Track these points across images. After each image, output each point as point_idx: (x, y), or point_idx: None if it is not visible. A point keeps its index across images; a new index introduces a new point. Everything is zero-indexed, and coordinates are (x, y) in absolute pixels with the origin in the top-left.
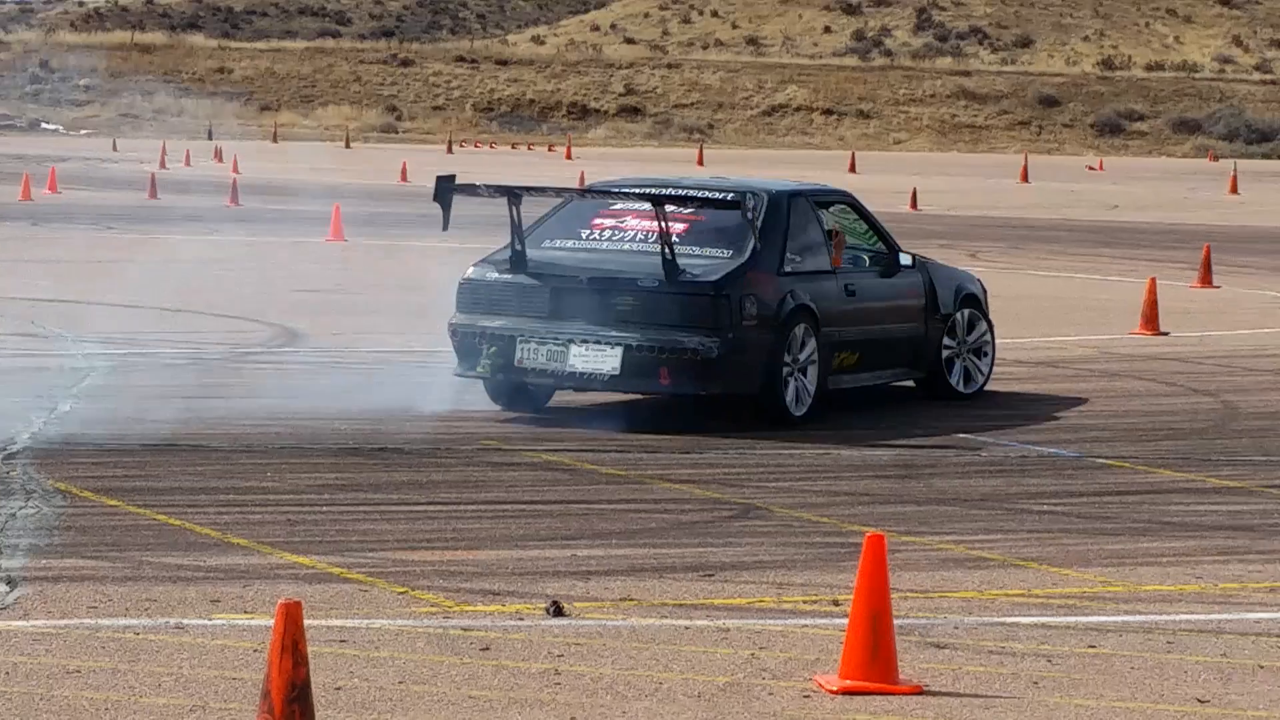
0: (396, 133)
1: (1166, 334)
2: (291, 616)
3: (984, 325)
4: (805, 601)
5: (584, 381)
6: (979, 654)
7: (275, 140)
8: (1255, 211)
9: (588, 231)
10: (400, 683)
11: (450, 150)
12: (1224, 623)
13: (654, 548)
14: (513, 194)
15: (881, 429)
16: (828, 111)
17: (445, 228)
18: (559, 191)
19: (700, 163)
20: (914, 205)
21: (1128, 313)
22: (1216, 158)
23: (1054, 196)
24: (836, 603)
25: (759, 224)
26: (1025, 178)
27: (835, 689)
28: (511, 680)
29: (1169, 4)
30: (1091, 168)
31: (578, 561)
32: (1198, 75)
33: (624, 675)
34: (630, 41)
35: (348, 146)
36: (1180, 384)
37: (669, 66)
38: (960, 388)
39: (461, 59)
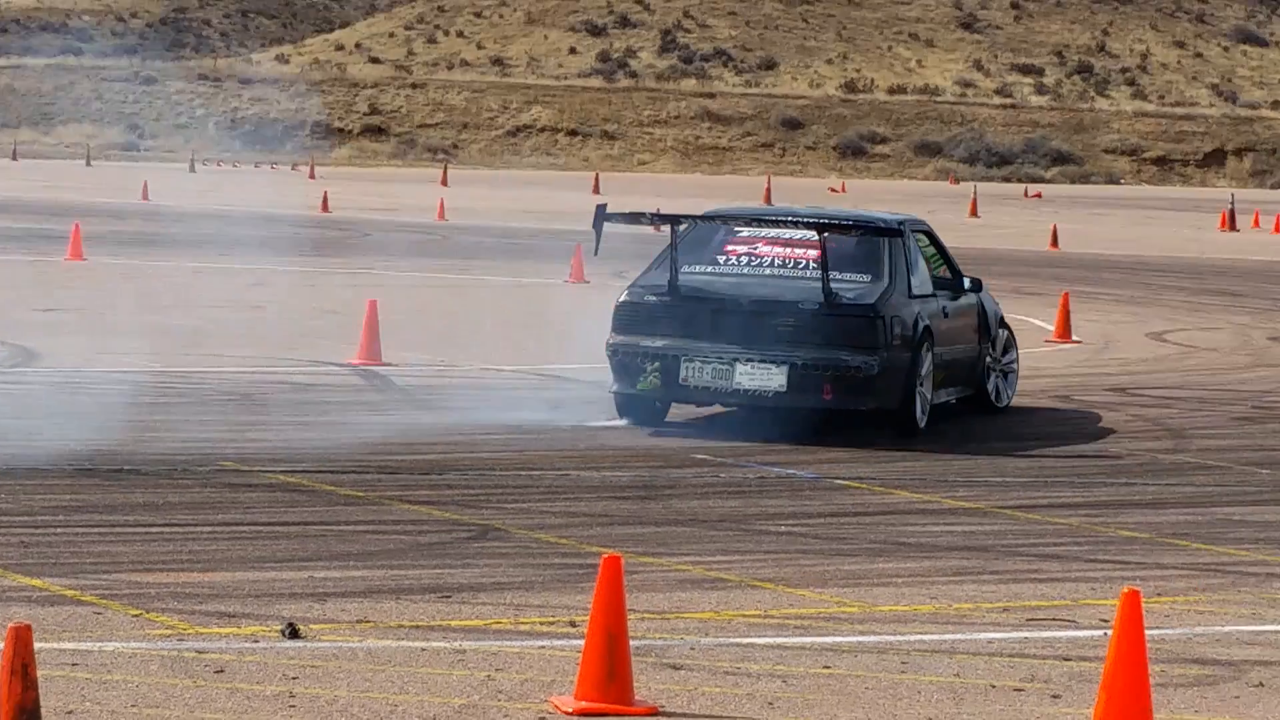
0: (139, 151)
1: None
2: (21, 639)
3: (1014, 344)
4: (543, 623)
5: (750, 398)
6: (715, 675)
7: (15, 158)
8: (995, 234)
9: (724, 258)
10: (133, 706)
11: (193, 169)
12: (957, 643)
13: (391, 569)
14: (676, 221)
15: (621, 451)
16: (572, 132)
17: (596, 253)
18: (725, 219)
19: (444, 183)
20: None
21: None
22: (957, 181)
23: None
24: (574, 624)
25: (895, 251)
26: (768, 199)
27: (571, 710)
28: (246, 703)
29: (911, 28)
30: (834, 190)
31: (314, 583)
32: (939, 99)
33: (359, 698)
34: (375, 61)
35: (89, 164)
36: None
37: (414, 86)
38: (996, 402)
39: (204, 77)
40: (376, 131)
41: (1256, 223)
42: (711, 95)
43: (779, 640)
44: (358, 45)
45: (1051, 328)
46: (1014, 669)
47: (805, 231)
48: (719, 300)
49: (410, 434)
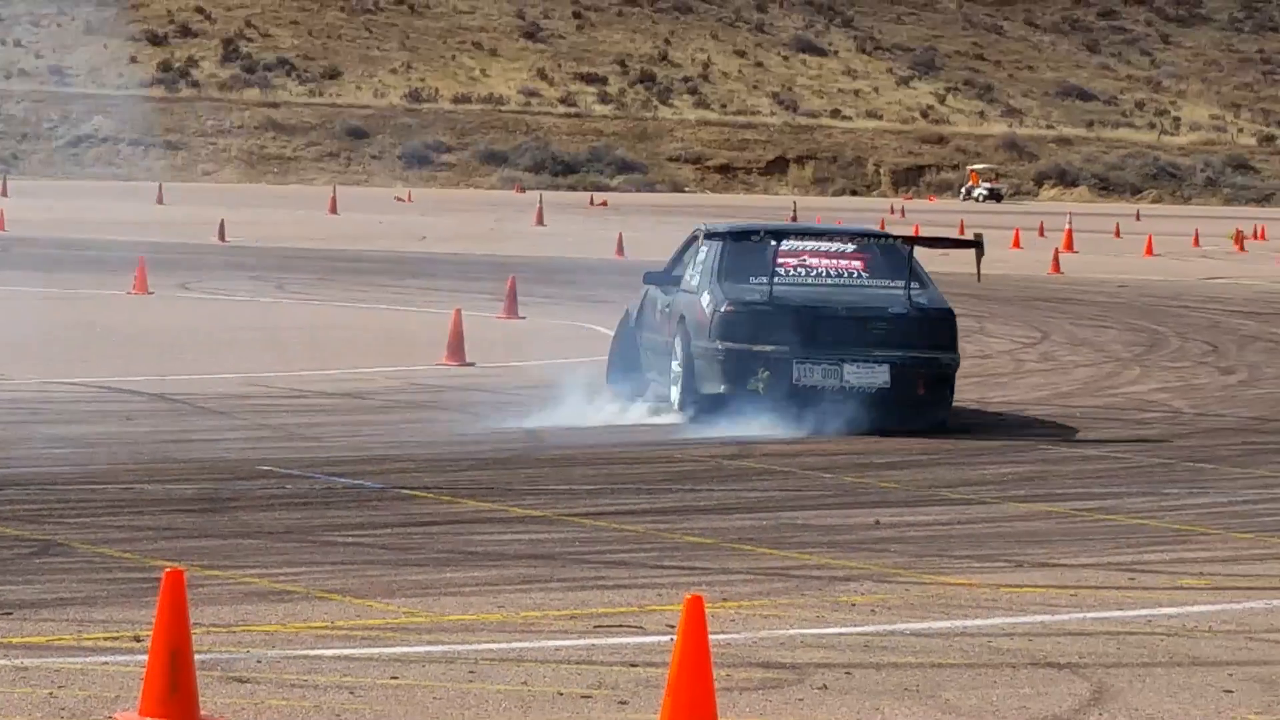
0: None
1: (473, 364)
2: None
3: None
4: (106, 638)
5: (856, 394)
6: (282, 688)
7: None
8: (560, 242)
9: (785, 271)
10: None
11: None
12: (525, 651)
13: None
14: (781, 237)
15: (185, 464)
16: (135, 143)
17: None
18: (832, 235)
19: (4, 194)
20: (222, 237)
21: (434, 344)
22: (523, 189)
23: (363, 228)
24: (138, 639)
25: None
26: (334, 209)
27: None
28: None
29: (475, 37)
30: (400, 199)
31: None
32: (504, 108)
33: None
34: None
35: None
36: (486, 414)
37: None
38: None
39: None
40: None
41: None
42: (275, 105)
43: (346, 651)
44: None
45: None
46: (581, 676)
47: (842, 244)
48: (818, 308)
49: None
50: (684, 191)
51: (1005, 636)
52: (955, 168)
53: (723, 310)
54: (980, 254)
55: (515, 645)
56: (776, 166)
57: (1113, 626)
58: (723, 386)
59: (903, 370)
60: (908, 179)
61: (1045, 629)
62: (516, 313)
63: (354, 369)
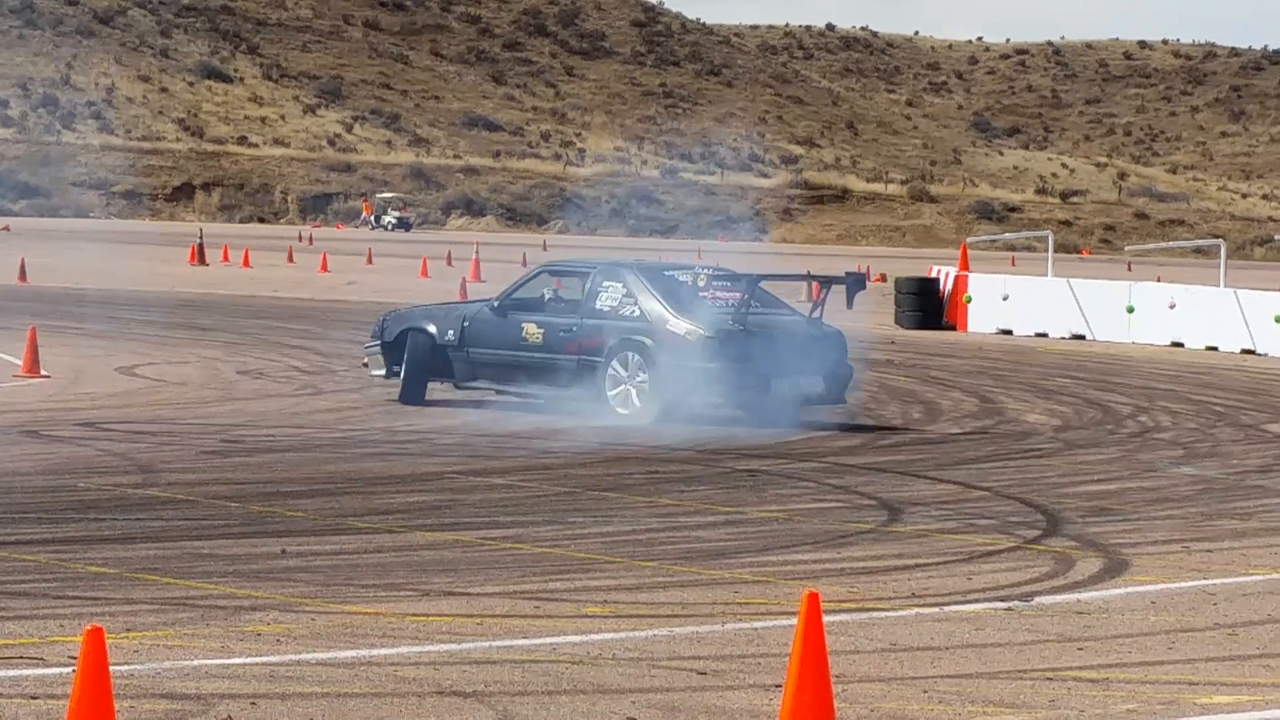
0: None
1: None
2: None
3: None
4: None
5: (804, 399)
6: None
7: None
8: None
9: (710, 302)
10: None
11: None
12: None
13: None
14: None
15: None
16: None
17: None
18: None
19: None
20: None
21: None
22: None
23: None
24: None
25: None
26: None
27: None
28: None
29: None
30: None
31: None
32: None
33: None
34: None
35: None
36: None
37: None
38: None
39: None
40: None
41: (226, 256)
42: None
43: None
44: None
45: (20, 362)
46: None
47: (732, 281)
48: (775, 333)
49: None
50: (89, 217)
51: (411, 665)
52: (363, 195)
53: (708, 336)
54: (858, 289)
55: None
56: (183, 193)
57: (518, 655)
58: (718, 398)
59: (829, 379)
60: (316, 206)
61: (451, 657)
62: None
63: None
